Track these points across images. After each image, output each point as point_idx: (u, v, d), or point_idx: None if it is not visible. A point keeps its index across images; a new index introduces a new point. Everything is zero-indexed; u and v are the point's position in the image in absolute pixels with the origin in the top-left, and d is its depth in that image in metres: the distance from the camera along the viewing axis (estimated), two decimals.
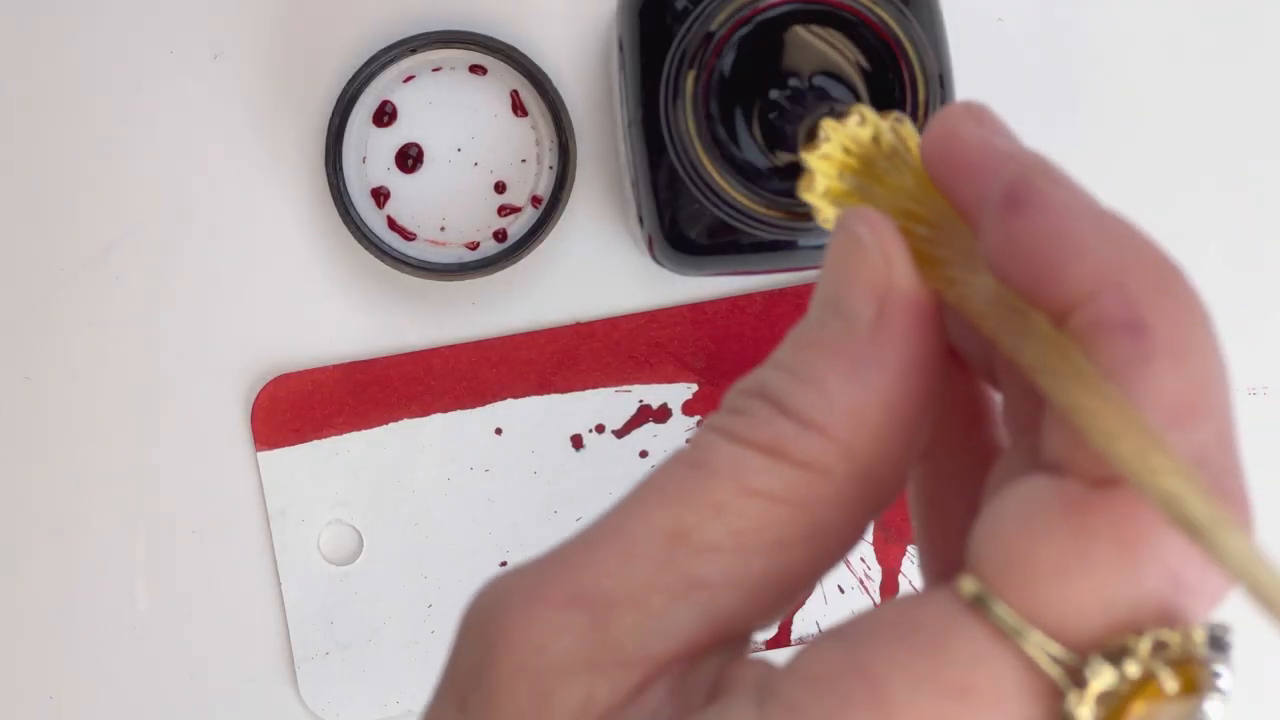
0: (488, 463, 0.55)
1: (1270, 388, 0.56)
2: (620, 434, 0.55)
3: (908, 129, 0.28)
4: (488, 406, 0.55)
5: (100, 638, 0.56)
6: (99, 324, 0.55)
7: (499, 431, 0.55)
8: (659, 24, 0.46)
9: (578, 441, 0.55)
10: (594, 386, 0.55)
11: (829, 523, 0.25)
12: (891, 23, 0.42)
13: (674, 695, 0.24)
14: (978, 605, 0.22)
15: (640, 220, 0.48)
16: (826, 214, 0.29)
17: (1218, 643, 0.24)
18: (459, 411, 0.55)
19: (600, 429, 0.55)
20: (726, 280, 0.55)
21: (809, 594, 0.26)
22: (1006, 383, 0.27)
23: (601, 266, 0.56)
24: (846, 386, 0.25)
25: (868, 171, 0.29)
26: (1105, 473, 0.22)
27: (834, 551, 0.25)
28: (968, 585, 0.22)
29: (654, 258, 0.49)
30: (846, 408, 0.25)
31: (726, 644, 0.25)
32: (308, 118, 0.55)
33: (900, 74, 0.42)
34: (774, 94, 0.43)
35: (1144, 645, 0.22)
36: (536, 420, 0.55)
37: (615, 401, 0.55)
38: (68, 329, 0.55)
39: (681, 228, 0.47)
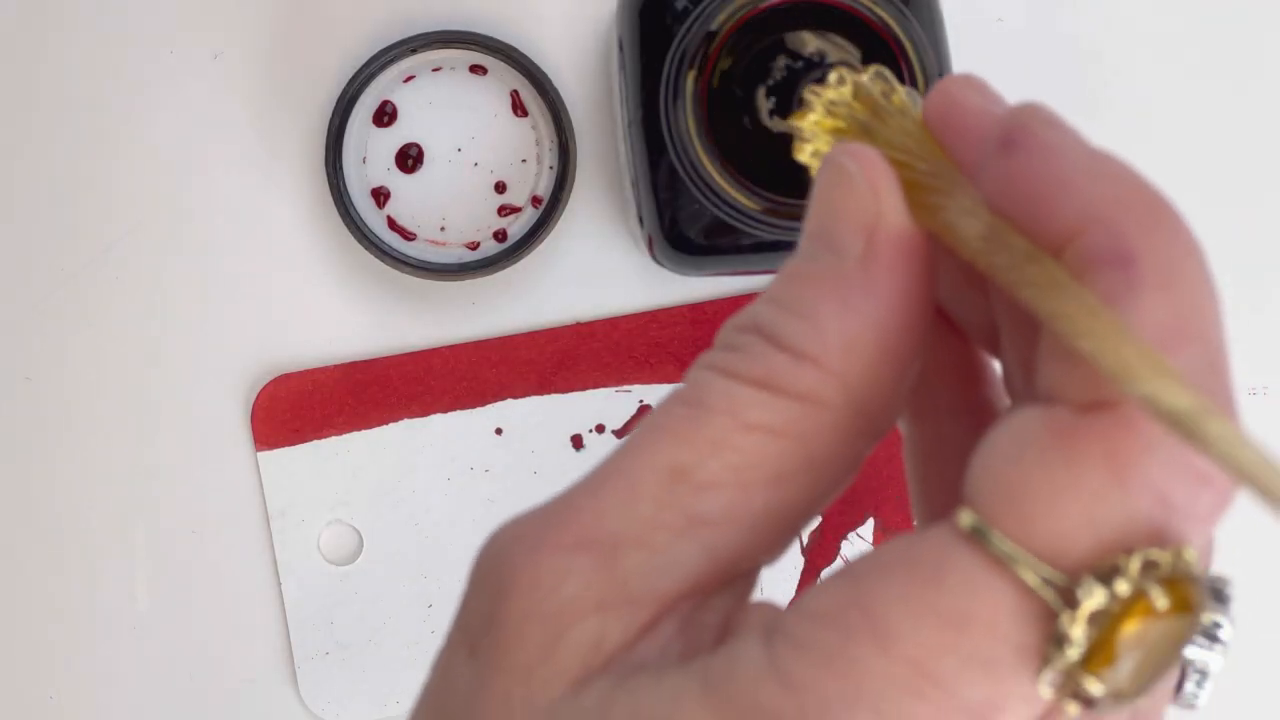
0: (488, 463, 0.55)
1: (1270, 388, 0.56)
2: (620, 434, 0.55)
3: (889, 83, 0.29)
4: (488, 406, 0.55)
5: (100, 638, 0.56)
6: (99, 324, 0.55)
7: (499, 431, 0.55)
8: (659, 24, 0.46)
9: (578, 441, 0.55)
10: (594, 386, 0.55)
11: (827, 454, 0.25)
12: (891, 23, 0.42)
13: (683, 632, 0.24)
14: (975, 536, 0.22)
15: (640, 220, 0.48)
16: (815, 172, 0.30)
17: (1218, 594, 0.25)
18: (459, 411, 0.55)
19: (600, 429, 0.55)
20: (726, 280, 0.55)
21: (811, 526, 0.27)
22: (1006, 346, 0.27)
23: (601, 266, 0.56)
24: (838, 318, 0.25)
25: (859, 133, 0.29)
26: (1094, 397, 0.22)
27: (833, 482, 0.26)
28: (965, 518, 0.23)
29: (654, 258, 0.49)
30: (839, 339, 0.25)
31: (732, 581, 0.25)
32: (308, 118, 0.55)
33: (900, 74, 0.42)
34: (775, 72, 0.43)
35: (1134, 564, 0.22)
36: (536, 420, 0.55)
37: (615, 401, 0.55)
38: (68, 329, 0.55)
39: (681, 228, 0.47)
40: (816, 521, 0.56)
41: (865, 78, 0.29)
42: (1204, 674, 0.25)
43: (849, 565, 0.24)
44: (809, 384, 0.25)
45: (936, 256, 0.26)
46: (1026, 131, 0.24)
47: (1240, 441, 0.20)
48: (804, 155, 0.29)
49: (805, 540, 0.56)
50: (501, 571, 0.25)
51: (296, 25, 0.55)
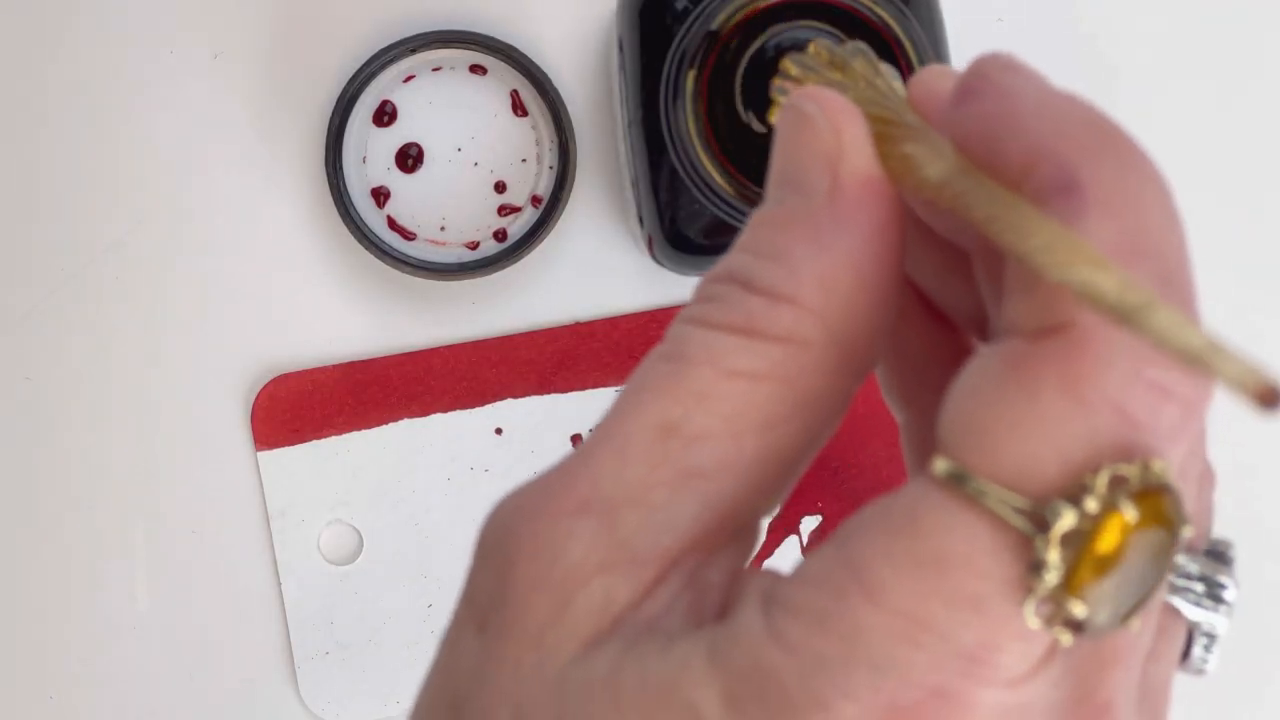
0: (488, 463, 0.55)
1: None
2: None
3: (871, 61, 0.29)
4: (488, 406, 0.55)
5: (100, 638, 0.56)
6: (99, 324, 0.55)
7: (499, 431, 0.55)
8: (659, 24, 0.46)
9: (577, 441, 0.55)
10: (594, 386, 0.55)
11: (814, 393, 0.25)
12: (891, 23, 0.42)
13: (689, 588, 0.25)
14: (949, 481, 0.22)
15: (640, 220, 0.48)
16: None
17: (1220, 556, 0.24)
18: (459, 411, 0.55)
19: None
20: None
21: (806, 469, 0.27)
22: (991, 314, 0.27)
23: (601, 266, 0.56)
24: (810, 256, 0.25)
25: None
26: (1047, 322, 0.22)
27: (824, 423, 0.26)
28: (938, 464, 0.23)
29: (654, 258, 0.49)
30: (813, 276, 0.25)
31: (734, 533, 0.25)
32: (308, 118, 0.55)
33: (900, 74, 0.42)
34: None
35: (1100, 481, 0.22)
36: (536, 420, 0.55)
37: None
38: (68, 329, 0.55)
39: (681, 228, 0.47)
40: (818, 520, 0.56)
41: (844, 49, 0.29)
42: (1211, 637, 0.25)
43: (837, 530, 0.24)
44: (788, 324, 0.25)
45: (914, 230, 0.26)
46: (983, 79, 0.25)
47: (1185, 326, 0.20)
48: (775, 117, 0.29)
49: (805, 540, 0.56)
50: (505, 544, 0.25)
51: (296, 25, 0.55)
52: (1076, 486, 0.22)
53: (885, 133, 0.26)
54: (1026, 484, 0.22)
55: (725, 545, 0.25)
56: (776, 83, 0.30)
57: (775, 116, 0.29)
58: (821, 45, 0.30)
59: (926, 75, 0.27)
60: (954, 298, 0.29)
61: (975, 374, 0.23)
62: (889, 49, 0.42)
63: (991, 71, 0.25)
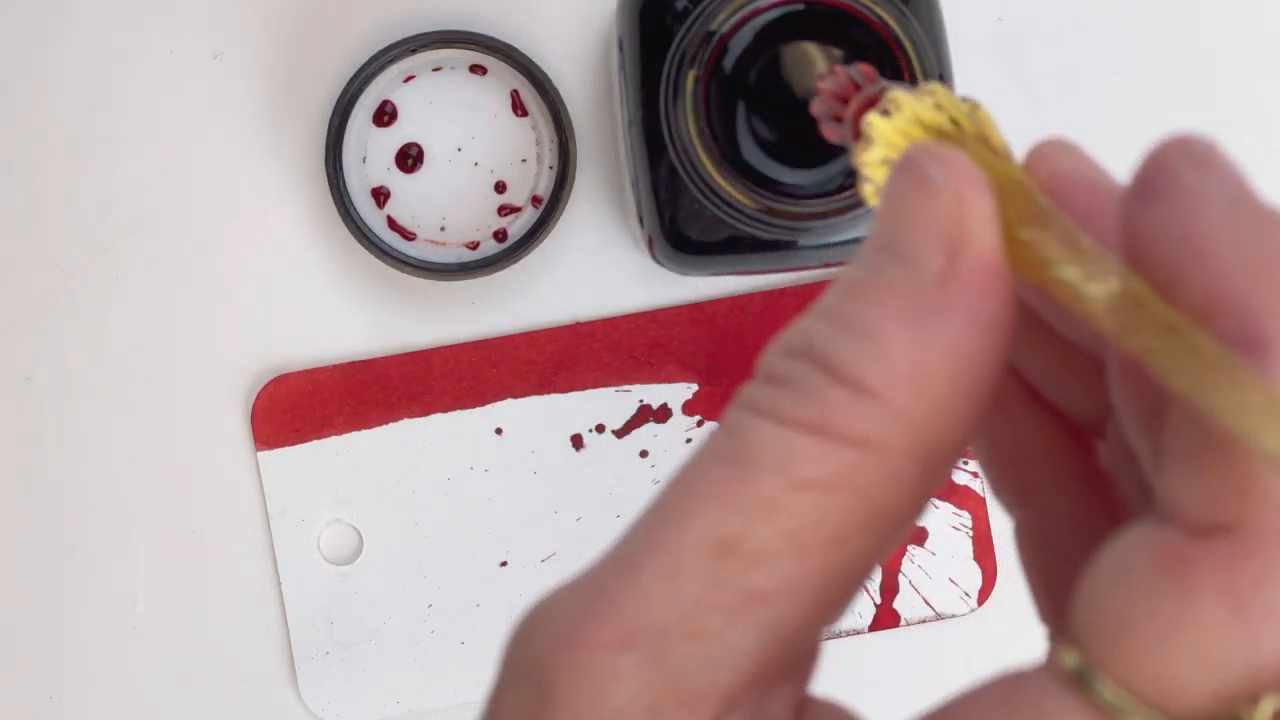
0: (488, 463, 0.55)
1: None
2: (620, 434, 0.55)
3: (986, 116, 0.25)
4: (488, 406, 0.55)
5: (100, 638, 0.56)
6: (99, 324, 0.55)
7: (499, 431, 0.55)
8: (659, 24, 0.46)
9: (578, 441, 0.55)
10: (594, 386, 0.55)
11: (888, 505, 0.22)
12: (891, 23, 0.42)
13: None
14: (1078, 678, 0.20)
15: (640, 220, 0.48)
16: (878, 181, 0.25)
17: None
18: (459, 411, 0.55)
19: (600, 429, 0.55)
20: (726, 280, 0.55)
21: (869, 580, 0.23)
22: (1126, 430, 0.24)
23: (601, 266, 0.56)
24: (906, 343, 0.21)
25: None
26: (1213, 518, 0.20)
27: (895, 536, 0.23)
28: (1067, 658, 0.20)
29: (654, 258, 0.49)
30: (906, 368, 0.21)
31: (794, 659, 0.23)
32: (308, 118, 0.55)
33: (900, 74, 0.42)
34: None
35: (1260, 713, 0.19)
36: (536, 420, 0.55)
37: (615, 401, 0.55)
38: (68, 329, 0.55)
39: (681, 228, 0.47)
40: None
41: (965, 108, 0.25)
42: None
43: (948, 702, 0.21)
44: (872, 424, 0.21)
45: (1031, 328, 0.23)
46: (1168, 175, 0.21)
47: None
48: (868, 161, 0.25)
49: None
50: (541, 672, 0.22)
51: (296, 25, 0.55)
52: (1229, 715, 0.20)
53: (1010, 213, 0.23)
54: (1171, 703, 0.20)
55: (787, 674, 0.23)
56: (874, 121, 0.26)
57: (858, 157, 0.26)
58: (934, 87, 0.25)
59: (1051, 151, 0.24)
60: (1067, 395, 0.26)
61: (1123, 560, 0.20)
62: (889, 49, 0.42)
63: (1178, 166, 0.21)
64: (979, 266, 0.22)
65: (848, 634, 0.56)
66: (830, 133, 0.28)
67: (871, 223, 0.23)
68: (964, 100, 0.25)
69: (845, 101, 0.28)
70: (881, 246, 0.22)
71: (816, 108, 0.29)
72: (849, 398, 0.21)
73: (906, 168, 0.23)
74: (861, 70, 0.28)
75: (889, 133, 0.25)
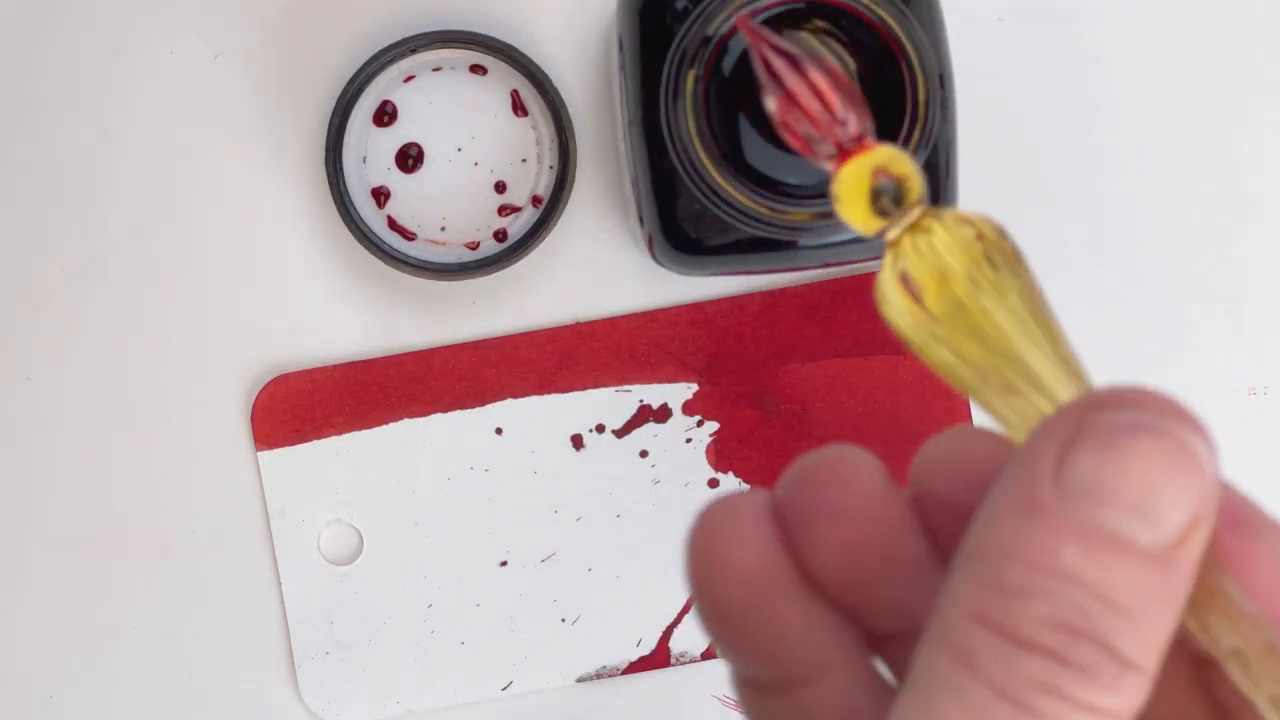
0: (488, 463, 0.55)
1: (1270, 388, 0.56)
2: (620, 434, 0.55)
3: (1012, 250, 0.24)
4: (488, 406, 0.55)
5: (100, 638, 0.56)
6: (99, 324, 0.55)
7: (499, 431, 0.55)
8: (659, 24, 0.46)
9: (578, 441, 0.55)
10: (594, 386, 0.55)
11: None
12: (891, 23, 0.42)
13: None
14: None
15: (640, 220, 0.48)
16: (860, 227, 0.25)
17: None
18: (459, 411, 0.55)
19: (600, 429, 0.55)
20: (726, 280, 0.55)
21: None
22: None
23: (601, 266, 0.56)
24: (1162, 622, 0.21)
25: (937, 280, 0.24)
26: None
27: None
28: None
29: (654, 258, 0.49)
30: (1158, 647, 0.21)
31: None
32: (308, 118, 0.55)
33: (900, 74, 0.42)
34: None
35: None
36: (536, 420, 0.55)
37: (615, 401, 0.55)
38: (68, 329, 0.55)
39: (681, 228, 0.47)
40: None
41: (1007, 238, 0.24)
42: None
43: None
44: (1138, 699, 0.21)
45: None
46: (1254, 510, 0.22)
47: None
48: (885, 278, 0.25)
49: None
50: None
51: (296, 25, 0.55)
52: None
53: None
54: None
55: None
56: (899, 237, 0.25)
57: (888, 269, 0.25)
58: (975, 217, 0.24)
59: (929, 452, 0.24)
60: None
61: None
62: (889, 49, 0.42)
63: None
64: (1201, 547, 0.22)
65: None
66: (792, 140, 0.27)
67: (1113, 474, 0.22)
68: (993, 225, 0.25)
69: (816, 124, 0.27)
70: (1130, 506, 0.22)
71: (777, 112, 0.28)
72: (1139, 683, 0.21)
73: (1162, 430, 0.22)
74: (843, 101, 0.27)
75: (913, 254, 0.25)
